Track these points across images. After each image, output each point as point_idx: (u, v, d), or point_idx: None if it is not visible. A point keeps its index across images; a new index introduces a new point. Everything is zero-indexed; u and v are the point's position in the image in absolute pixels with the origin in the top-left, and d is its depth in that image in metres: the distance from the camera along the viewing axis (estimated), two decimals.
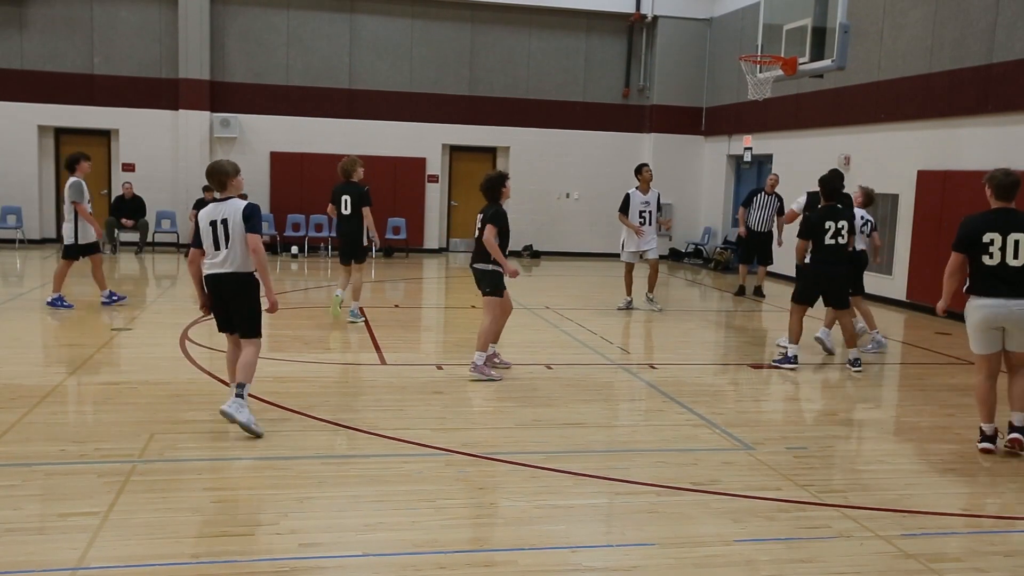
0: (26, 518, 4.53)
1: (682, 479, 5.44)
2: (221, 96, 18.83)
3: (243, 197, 6.37)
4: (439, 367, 8.39)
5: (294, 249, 18.70)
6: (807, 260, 8.80)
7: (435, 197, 20.15)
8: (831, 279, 8.74)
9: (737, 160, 19.42)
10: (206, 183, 17.28)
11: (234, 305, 6.12)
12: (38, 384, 7.17)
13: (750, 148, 18.52)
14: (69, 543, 4.20)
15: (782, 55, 11.81)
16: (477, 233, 7.92)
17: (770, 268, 14.26)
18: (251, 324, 6.14)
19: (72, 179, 10.76)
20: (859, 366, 8.83)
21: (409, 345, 9.31)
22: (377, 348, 9.18)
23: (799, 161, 16.15)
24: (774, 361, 9.03)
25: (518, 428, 6.50)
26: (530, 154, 20.35)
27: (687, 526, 4.75)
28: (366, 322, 10.63)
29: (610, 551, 4.43)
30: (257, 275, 6.12)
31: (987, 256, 5.95)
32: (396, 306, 13.04)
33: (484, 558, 4.23)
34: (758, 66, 12.54)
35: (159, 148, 18.57)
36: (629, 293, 12.19)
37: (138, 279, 14.92)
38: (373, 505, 4.89)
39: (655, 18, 20.14)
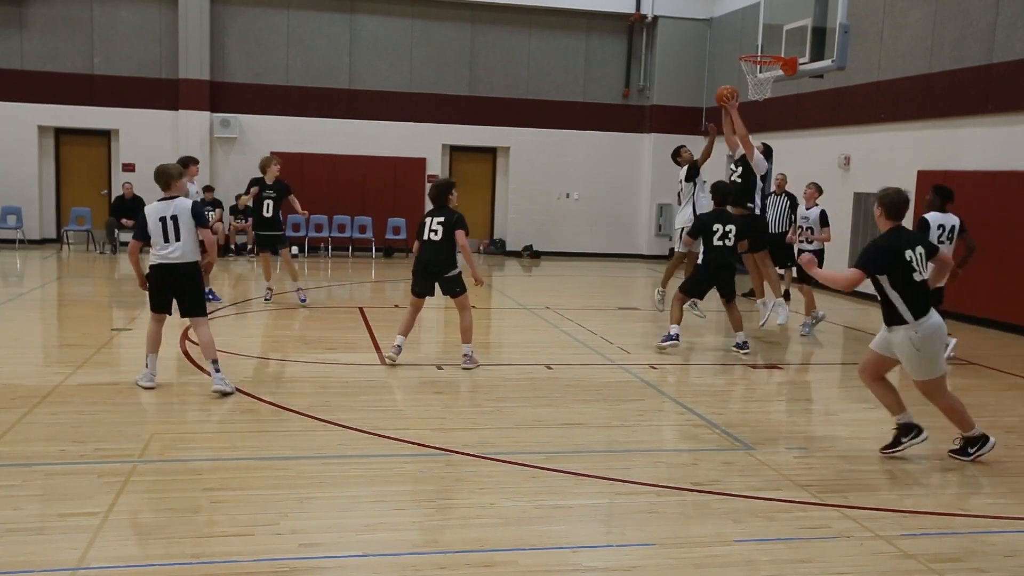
0: (26, 518, 4.53)
1: (682, 479, 5.44)
2: (221, 96, 18.82)
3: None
4: (439, 367, 8.39)
5: (294, 249, 18.65)
6: (699, 260, 9.53)
7: None
8: (721, 277, 9.40)
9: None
10: (207, 184, 17.29)
11: (184, 290, 6.99)
12: (38, 384, 7.17)
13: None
14: (69, 543, 4.19)
15: (782, 55, 11.80)
16: (434, 236, 8.12)
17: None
18: (201, 305, 7.16)
19: None
20: (747, 348, 9.38)
21: (409, 345, 9.29)
22: (377, 348, 9.18)
23: (799, 161, 16.14)
24: (659, 344, 9.49)
25: (518, 428, 6.50)
26: (530, 154, 20.36)
27: (687, 526, 4.75)
28: (366, 323, 10.62)
29: (610, 551, 4.43)
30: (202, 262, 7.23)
31: (916, 273, 5.72)
32: (396, 306, 13.03)
33: (484, 558, 4.23)
34: (758, 66, 12.53)
35: (159, 148, 18.51)
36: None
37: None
38: (373, 505, 4.89)
39: (655, 18, 20.14)
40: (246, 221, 17.97)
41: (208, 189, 17.82)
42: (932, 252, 5.97)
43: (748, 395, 8.11)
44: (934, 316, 5.77)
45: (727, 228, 9.26)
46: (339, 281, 15.53)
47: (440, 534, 4.51)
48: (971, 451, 5.98)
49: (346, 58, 19.36)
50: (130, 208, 17.88)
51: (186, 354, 8.52)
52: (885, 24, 14.22)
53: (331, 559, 4.18)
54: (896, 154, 13.93)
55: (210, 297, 11.66)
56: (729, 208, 9.67)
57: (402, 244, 19.58)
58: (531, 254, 20.29)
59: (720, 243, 9.27)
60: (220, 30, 18.76)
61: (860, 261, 5.78)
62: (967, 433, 6.00)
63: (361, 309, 11.69)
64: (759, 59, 12.29)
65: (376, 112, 19.54)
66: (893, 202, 5.82)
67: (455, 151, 20.46)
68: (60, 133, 18.81)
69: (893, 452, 6.02)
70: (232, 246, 18.12)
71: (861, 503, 5.13)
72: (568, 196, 20.67)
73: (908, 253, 5.72)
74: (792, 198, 13.92)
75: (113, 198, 18.51)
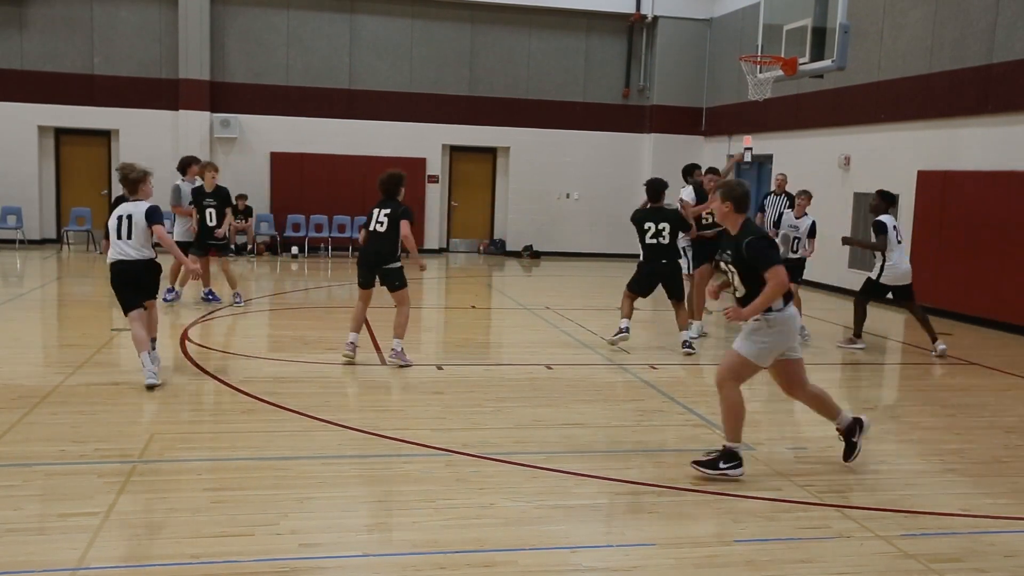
0: (26, 518, 4.53)
1: (682, 479, 5.44)
2: (221, 96, 18.82)
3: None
4: (439, 367, 8.39)
5: (294, 249, 18.69)
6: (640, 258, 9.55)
7: (435, 197, 20.15)
8: (664, 274, 9.37)
9: (737, 160, 19.39)
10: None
11: (141, 282, 7.38)
12: (38, 384, 7.17)
13: (750, 148, 18.47)
14: (69, 543, 4.19)
15: (782, 55, 11.80)
16: (380, 227, 8.17)
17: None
18: (156, 289, 7.61)
19: (175, 182, 11.74)
20: (690, 348, 9.39)
21: (409, 345, 9.30)
22: (377, 348, 9.18)
23: (799, 161, 16.15)
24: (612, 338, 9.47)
25: (518, 428, 6.50)
26: (530, 154, 20.35)
27: (687, 526, 4.75)
28: (366, 323, 10.60)
29: (610, 551, 4.42)
30: (158, 259, 7.50)
31: None
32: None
33: (484, 558, 4.23)
34: (758, 66, 12.53)
35: (159, 148, 18.52)
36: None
37: None
38: (373, 505, 4.89)
39: (655, 18, 20.14)
40: (246, 221, 17.99)
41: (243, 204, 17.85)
42: None
43: (748, 395, 8.07)
44: (792, 308, 5.53)
45: (660, 226, 9.22)
46: (339, 281, 15.52)
47: (440, 534, 4.50)
48: (723, 466, 5.42)
49: (346, 58, 19.36)
50: None
51: (186, 354, 8.53)
52: (885, 24, 14.23)
53: (331, 559, 4.18)
54: (896, 154, 13.93)
55: (210, 298, 11.71)
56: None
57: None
58: (531, 254, 20.29)
59: (653, 241, 9.25)
60: (220, 30, 18.75)
61: (770, 259, 5.32)
62: (729, 443, 5.52)
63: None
64: (759, 59, 12.31)
65: (376, 112, 19.53)
66: (741, 195, 5.55)
67: (455, 151, 20.46)
68: (60, 133, 18.80)
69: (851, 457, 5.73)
70: (232, 246, 18.12)
71: (861, 503, 5.13)
72: (568, 196, 20.67)
73: None
74: (791, 198, 13.93)
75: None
